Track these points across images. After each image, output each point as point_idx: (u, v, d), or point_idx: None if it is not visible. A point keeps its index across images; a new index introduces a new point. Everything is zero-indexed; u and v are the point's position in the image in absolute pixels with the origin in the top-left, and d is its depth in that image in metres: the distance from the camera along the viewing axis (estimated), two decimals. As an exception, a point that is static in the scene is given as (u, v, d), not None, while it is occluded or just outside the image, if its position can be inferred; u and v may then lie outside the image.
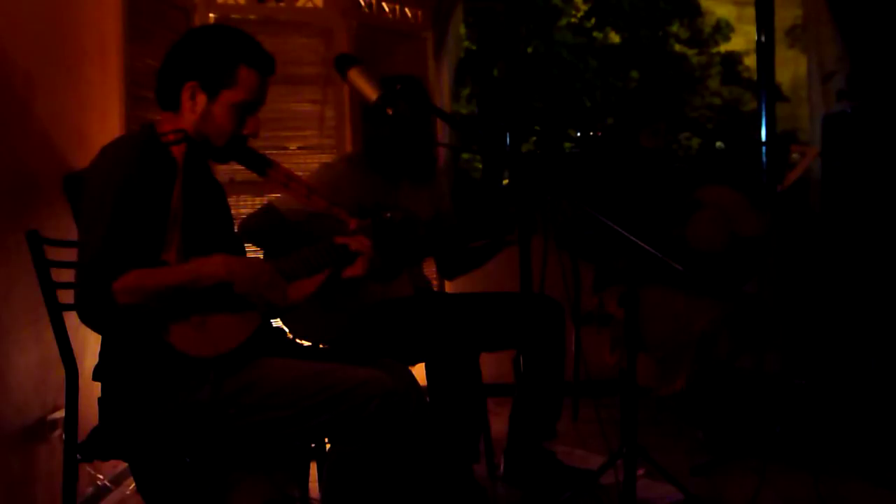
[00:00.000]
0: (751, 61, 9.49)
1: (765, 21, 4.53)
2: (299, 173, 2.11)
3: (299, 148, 3.67)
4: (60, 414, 2.35)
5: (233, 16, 3.56)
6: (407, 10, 4.02)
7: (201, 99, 1.91)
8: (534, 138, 8.95)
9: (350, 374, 1.87)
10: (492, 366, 2.95)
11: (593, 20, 9.88)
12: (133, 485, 2.62)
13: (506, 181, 4.98)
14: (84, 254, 1.79)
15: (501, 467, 2.83)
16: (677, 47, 10.20)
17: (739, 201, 3.29)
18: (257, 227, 2.57)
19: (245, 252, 2.21)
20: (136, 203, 1.80)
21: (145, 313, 1.76)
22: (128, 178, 1.81)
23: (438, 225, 2.83)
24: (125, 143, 1.91)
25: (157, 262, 1.78)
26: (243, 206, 3.42)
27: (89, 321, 1.77)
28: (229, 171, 3.22)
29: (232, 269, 1.82)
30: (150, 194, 1.83)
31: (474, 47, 8.57)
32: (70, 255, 1.92)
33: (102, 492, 2.70)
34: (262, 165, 2.02)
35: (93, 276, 1.73)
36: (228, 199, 2.18)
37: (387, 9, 3.93)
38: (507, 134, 4.55)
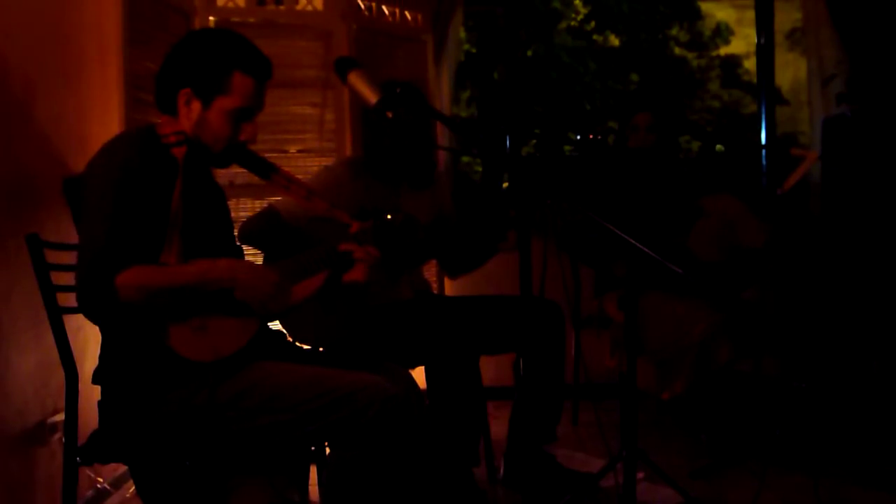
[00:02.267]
0: (751, 64, 9.49)
1: (765, 24, 4.54)
2: (299, 177, 2.11)
3: (299, 151, 3.66)
4: (60, 417, 2.35)
5: (233, 19, 3.55)
6: (407, 13, 4.02)
7: (196, 106, 1.90)
8: (534, 141, 8.95)
9: (350, 378, 1.87)
10: (492, 369, 2.95)
11: (593, 23, 9.88)
12: (133, 488, 2.62)
13: (506, 184, 4.98)
14: (86, 248, 1.78)
15: (501, 471, 2.83)
16: (677, 50, 10.19)
17: (743, 212, 3.28)
18: (257, 230, 2.57)
19: (244, 255, 2.21)
20: (138, 198, 1.79)
21: (145, 313, 1.76)
22: (129, 173, 1.80)
23: (440, 228, 2.83)
24: (125, 140, 1.90)
25: (157, 264, 1.78)
26: (243, 210, 3.42)
27: (89, 312, 1.76)
28: (229, 174, 3.22)
29: (237, 275, 1.82)
30: (151, 191, 1.82)
31: (474, 50, 8.57)
32: (70, 258, 1.92)
33: (102, 495, 2.69)
34: (265, 170, 2.02)
35: (95, 269, 1.72)
36: (228, 203, 2.18)
37: (387, 12, 3.93)
38: (507, 137, 4.55)
